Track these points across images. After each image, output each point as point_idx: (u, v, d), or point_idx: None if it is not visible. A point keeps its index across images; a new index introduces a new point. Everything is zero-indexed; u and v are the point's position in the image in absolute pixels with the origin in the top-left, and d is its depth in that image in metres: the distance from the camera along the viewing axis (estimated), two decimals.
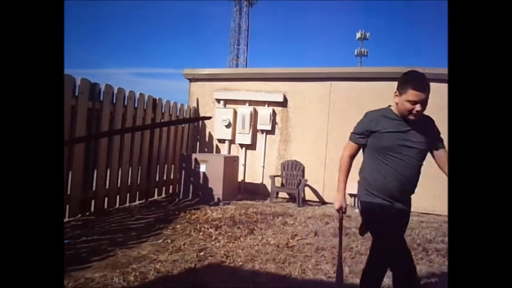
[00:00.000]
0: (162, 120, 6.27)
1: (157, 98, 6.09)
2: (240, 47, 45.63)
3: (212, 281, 2.78)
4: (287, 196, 6.86)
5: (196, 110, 7.48)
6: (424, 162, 2.07)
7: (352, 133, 2.23)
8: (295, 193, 6.39)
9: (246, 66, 41.83)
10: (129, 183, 5.42)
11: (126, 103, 5.25)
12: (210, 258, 3.27)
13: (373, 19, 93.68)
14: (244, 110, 7.15)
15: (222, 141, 7.38)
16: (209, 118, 6.59)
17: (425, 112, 2.02)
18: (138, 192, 5.63)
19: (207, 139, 7.50)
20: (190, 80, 7.65)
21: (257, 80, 7.25)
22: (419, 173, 2.09)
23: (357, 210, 6.12)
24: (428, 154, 2.09)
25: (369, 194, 2.11)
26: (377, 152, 2.09)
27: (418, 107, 1.93)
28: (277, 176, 6.80)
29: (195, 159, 6.06)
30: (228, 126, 7.16)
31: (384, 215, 2.05)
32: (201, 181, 6.00)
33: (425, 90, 1.93)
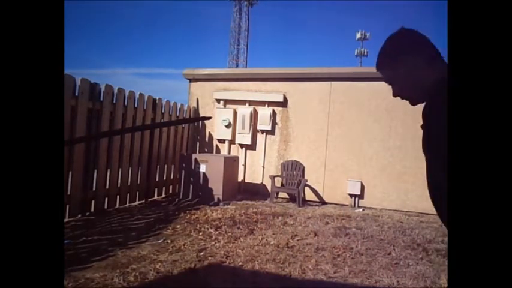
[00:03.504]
0: (162, 121, 6.28)
1: (157, 98, 6.10)
2: (240, 47, 45.70)
3: (212, 281, 2.78)
4: (287, 196, 6.87)
5: (196, 110, 7.48)
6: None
7: None
8: (295, 193, 6.39)
9: (246, 66, 41.86)
10: (129, 183, 5.42)
11: (126, 103, 5.26)
12: (210, 258, 3.27)
13: (373, 19, 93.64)
14: (244, 110, 7.15)
15: (222, 141, 7.38)
16: (209, 118, 6.54)
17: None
18: (138, 192, 5.63)
19: (207, 139, 7.51)
20: (190, 80, 7.65)
21: (257, 80, 7.26)
22: None
23: (357, 210, 6.14)
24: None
25: None
26: None
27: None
28: (277, 176, 6.80)
29: (195, 159, 6.07)
30: (228, 126, 7.16)
31: None
32: (201, 181, 6.00)
33: (378, 67, 1.34)
